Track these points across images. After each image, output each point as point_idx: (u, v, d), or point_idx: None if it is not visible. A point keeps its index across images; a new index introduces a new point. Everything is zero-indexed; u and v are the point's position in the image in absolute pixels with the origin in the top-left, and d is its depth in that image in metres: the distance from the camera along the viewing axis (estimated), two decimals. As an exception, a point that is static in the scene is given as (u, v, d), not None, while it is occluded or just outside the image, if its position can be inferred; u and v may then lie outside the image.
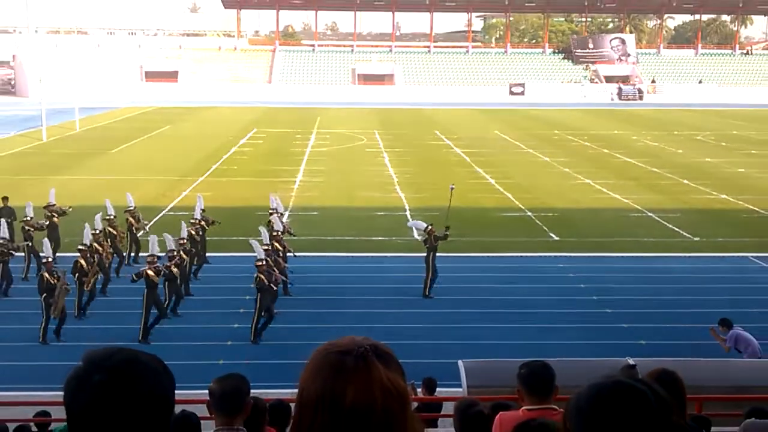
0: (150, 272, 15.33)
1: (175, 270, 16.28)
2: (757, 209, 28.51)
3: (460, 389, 9.84)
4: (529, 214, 27.69)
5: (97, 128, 53.46)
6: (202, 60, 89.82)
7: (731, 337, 13.08)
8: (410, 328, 16.24)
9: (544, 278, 19.88)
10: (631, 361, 6.69)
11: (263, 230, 18.16)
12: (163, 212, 26.52)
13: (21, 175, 33.87)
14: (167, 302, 16.26)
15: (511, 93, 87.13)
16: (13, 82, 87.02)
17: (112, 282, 18.20)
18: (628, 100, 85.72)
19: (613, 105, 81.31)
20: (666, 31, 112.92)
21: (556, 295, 18.51)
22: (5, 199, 21.53)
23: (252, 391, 4.57)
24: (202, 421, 5.47)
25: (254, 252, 16.24)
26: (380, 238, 23.74)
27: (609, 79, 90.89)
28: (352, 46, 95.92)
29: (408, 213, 27.61)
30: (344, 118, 63.27)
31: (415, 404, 10.60)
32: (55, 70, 79.40)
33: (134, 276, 15.62)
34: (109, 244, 18.64)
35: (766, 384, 9.86)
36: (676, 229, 25.48)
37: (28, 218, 19.43)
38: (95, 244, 17.28)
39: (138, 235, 20.30)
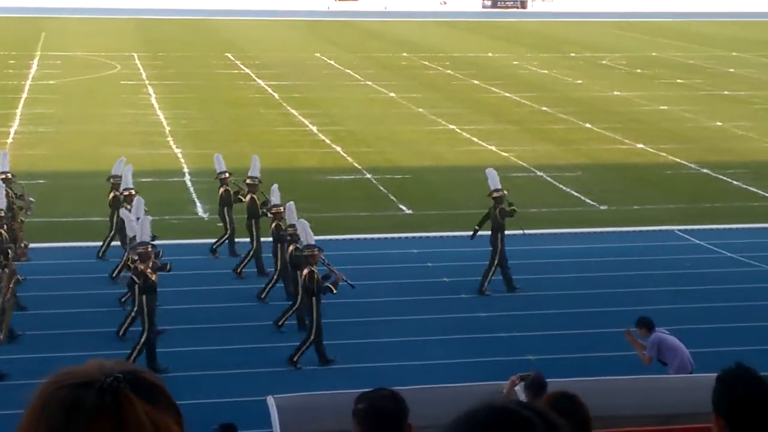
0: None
1: None
2: (685, 163, 30.34)
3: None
4: (369, 176, 28.06)
5: None
6: None
7: (653, 343, 13.83)
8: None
9: (392, 271, 20.25)
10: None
11: None
12: None
13: None
14: None
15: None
16: None
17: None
18: (507, 7, 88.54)
19: (486, 15, 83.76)
20: None
21: (409, 294, 18.89)
22: None
23: None
24: None
25: None
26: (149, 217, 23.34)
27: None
28: None
29: (188, 177, 27.26)
30: (85, 34, 61.61)
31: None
32: None
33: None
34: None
35: (702, 410, 10.50)
36: (576, 194, 26.65)
37: None
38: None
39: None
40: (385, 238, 22.62)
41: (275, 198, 19.01)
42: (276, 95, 41.35)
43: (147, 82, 44.18)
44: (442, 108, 38.60)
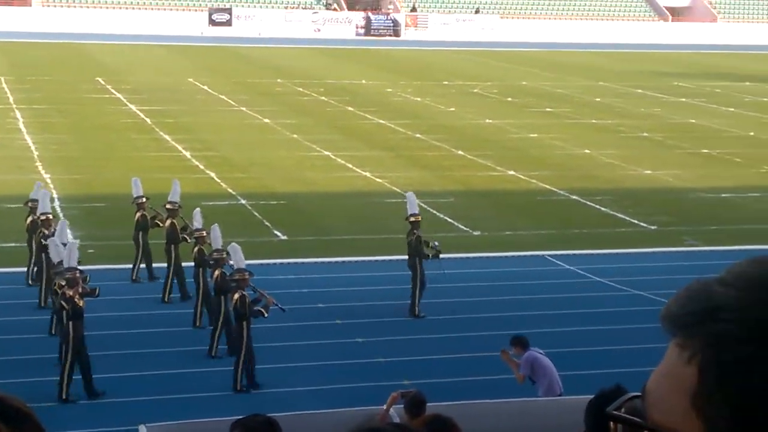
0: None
1: None
2: (555, 189, 30.92)
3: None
4: (243, 202, 27.92)
5: None
6: None
7: (527, 360, 14.05)
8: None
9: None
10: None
11: None
12: None
13: None
14: None
15: (213, 23, 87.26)
16: None
17: None
18: (380, 35, 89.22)
19: (360, 42, 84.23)
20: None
21: (285, 321, 18.84)
22: None
23: None
24: None
25: None
26: (11, 244, 22.83)
27: (352, 6, 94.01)
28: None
29: (58, 203, 26.73)
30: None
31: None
32: None
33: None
34: None
35: None
36: (449, 219, 26.94)
37: None
38: None
39: None
40: (260, 264, 22.46)
41: (197, 222, 18.94)
42: (148, 120, 40.85)
43: (14, 105, 43.21)
44: (316, 134, 38.62)
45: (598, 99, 52.02)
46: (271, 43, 78.07)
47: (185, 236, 19.71)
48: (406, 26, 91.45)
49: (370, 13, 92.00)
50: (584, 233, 26.19)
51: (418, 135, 39.38)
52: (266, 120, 41.90)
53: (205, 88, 51.36)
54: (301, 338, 18.24)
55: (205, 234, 18.54)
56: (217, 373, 16.46)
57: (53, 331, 17.56)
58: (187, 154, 34.31)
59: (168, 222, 20.12)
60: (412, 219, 19.65)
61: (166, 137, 37.24)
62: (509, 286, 21.59)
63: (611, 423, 1.23)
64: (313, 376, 16.52)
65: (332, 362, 17.19)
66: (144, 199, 20.95)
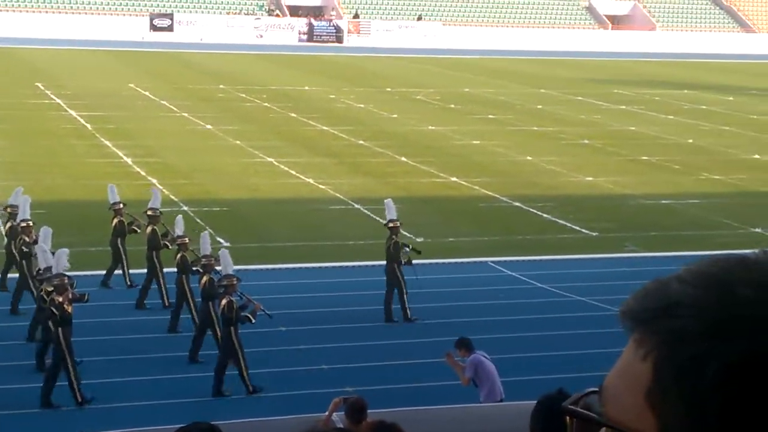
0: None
1: None
2: (498, 196, 31.10)
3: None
4: (186, 208, 27.74)
5: None
6: None
7: (471, 363, 14.12)
8: None
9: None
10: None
11: None
12: None
13: None
14: None
15: (154, 28, 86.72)
16: None
17: None
18: (323, 42, 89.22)
19: (302, 49, 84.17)
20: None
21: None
22: None
23: None
24: None
25: None
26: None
27: (295, 12, 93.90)
28: None
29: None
30: None
31: None
32: None
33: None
34: None
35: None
36: (393, 226, 26.99)
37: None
38: None
39: None
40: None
41: (179, 229, 19.14)
42: (89, 126, 40.48)
43: (-48, 111, 42.62)
44: (259, 141, 38.51)
45: (539, 106, 52.40)
46: (213, 49, 77.77)
47: (166, 242, 19.89)
48: (348, 33, 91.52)
49: (312, 20, 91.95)
50: (527, 240, 26.37)
51: (361, 141, 39.41)
52: (209, 126, 41.69)
53: (147, 93, 51.02)
54: (246, 345, 18.16)
55: (187, 240, 18.77)
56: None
57: (31, 338, 17.66)
58: (129, 160, 34.05)
59: (149, 229, 20.26)
60: (390, 225, 19.87)
61: (107, 143, 36.94)
62: (452, 293, 21.66)
63: (567, 418, 1.24)
64: (257, 382, 16.45)
65: (276, 369, 17.15)
66: (121, 205, 21.19)
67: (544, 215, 28.88)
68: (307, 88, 56.74)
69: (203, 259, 17.62)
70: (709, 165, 36.88)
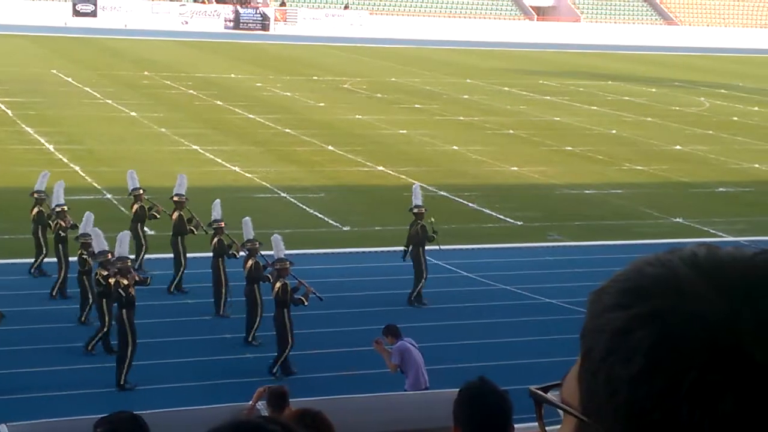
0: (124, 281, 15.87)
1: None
2: (424, 185, 31.17)
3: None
4: (109, 196, 27.51)
5: None
6: None
7: (398, 350, 14.19)
8: None
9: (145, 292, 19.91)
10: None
11: None
12: None
13: None
14: None
15: (77, 13, 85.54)
16: None
17: None
18: (249, 29, 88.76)
19: (228, 36, 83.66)
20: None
21: (168, 316, 18.64)
22: None
23: None
24: None
25: None
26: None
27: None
28: None
29: None
30: None
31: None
32: None
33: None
34: None
35: (441, 425, 10.83)
36: (319, 215, 26.98)
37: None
38: None
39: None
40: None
41: (216, 213, 19.52)
42: (10, 112, 39.85)
43: None
44: (185, 128, 38.23)
45: (465, 96, 52.67)
46: (138, 35, 76.94)
47: (192, 228, 20.43)
48: (275, 20, 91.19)
49: (238, 7, 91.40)
50: (453, 228, 26.47)
51: (287, 130, 39.31)
52: (133, 113, 41.29)
53: (69, 80, 50.36)
54: (172, 335, 18.09)
55: (223, 225, 19.21)
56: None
57: (83, 319, 18.12)
58: (51, 147, 33.60)
59: (175, 214, 20.58)
60: (415, 210, 20.16)
61: (29, 130, 36.41)
62: (378, 281, 21.73)
63: (534, 403, 1.31)
64: (183, 372, 16.38)
65: (200, 359, 17.10)
66: (141, 191, 21.58)
67: (469, 204, 29.05)
68: (233, 75, 56.42)
69: (248, 243, 18.05)
70: (632, 155, 37.39)
